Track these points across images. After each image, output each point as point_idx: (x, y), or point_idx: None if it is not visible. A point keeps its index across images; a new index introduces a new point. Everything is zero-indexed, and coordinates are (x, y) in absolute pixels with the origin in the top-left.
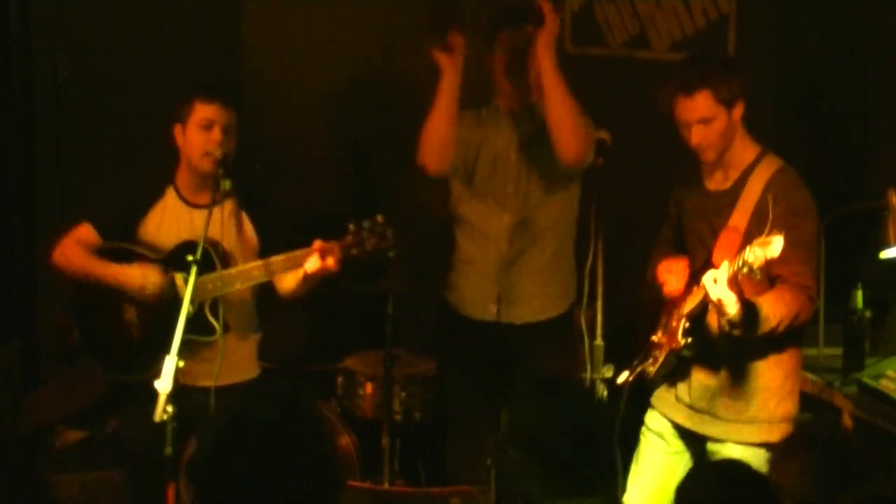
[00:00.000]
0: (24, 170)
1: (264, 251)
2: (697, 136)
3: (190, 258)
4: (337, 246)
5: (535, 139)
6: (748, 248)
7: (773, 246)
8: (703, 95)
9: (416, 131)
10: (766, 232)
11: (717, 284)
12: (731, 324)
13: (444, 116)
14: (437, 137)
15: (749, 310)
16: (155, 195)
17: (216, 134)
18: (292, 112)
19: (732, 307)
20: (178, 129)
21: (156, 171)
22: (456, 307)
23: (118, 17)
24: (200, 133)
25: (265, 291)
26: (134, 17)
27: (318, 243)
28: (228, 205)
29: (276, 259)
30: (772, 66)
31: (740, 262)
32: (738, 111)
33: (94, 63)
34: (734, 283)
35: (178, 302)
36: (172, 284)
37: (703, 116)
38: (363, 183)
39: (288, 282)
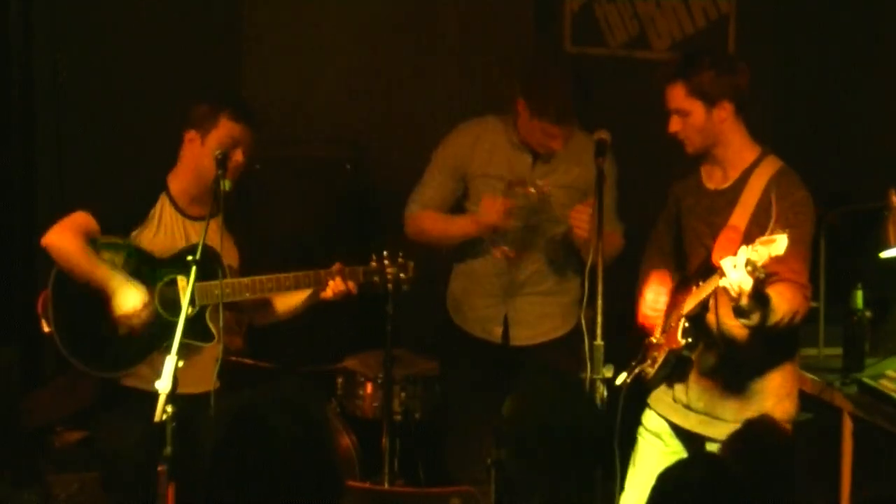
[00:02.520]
0: (24, 170)
1: (244, 266)
2: (674, 125)
3: (189, 258)
4: (360, 271)
5: (549, 174)
6: (750, 247)
7: (778, 244)
8: (676, 87)
9: (415, 132)
10: (769, 230)
11: (735, 269)
12: (742, 312)
13: (444, 245)
14: (430, 243)
15: (761, 299)
16: (151, 202)
17: (239, 155)
18: (292, 112)
19: (748, 294)
20: (191, 136)
21: (155, 175)
22: (458, 324)
23: (118, 18)
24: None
25: None
26: (134, 18)
27: (339, 266)
28: (218, 217)
29: (297, 275)
30: (772, 66)
31: (749, 254)
32: (723, 111)
33: (94, 63)
34: (752, 270)
35: (174, 304)
36: (174, 284)
37: (676, 107)
38: (362, 183)
39: (293, 299)
